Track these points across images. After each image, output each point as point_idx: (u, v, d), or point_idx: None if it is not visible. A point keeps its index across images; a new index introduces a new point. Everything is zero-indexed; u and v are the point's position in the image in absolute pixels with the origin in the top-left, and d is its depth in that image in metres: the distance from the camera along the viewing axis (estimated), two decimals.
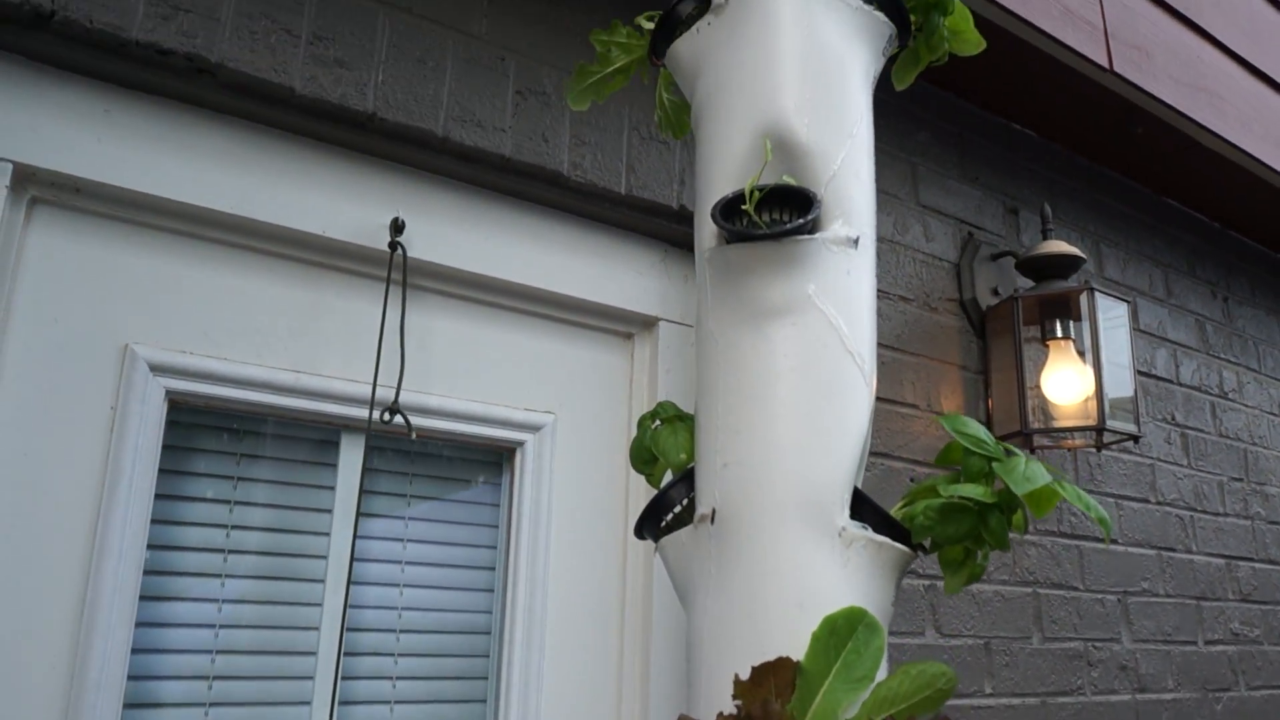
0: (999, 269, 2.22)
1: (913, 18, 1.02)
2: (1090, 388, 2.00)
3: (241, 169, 1.37)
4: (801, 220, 0.85)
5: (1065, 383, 2.02)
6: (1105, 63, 2.11)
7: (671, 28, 1.00)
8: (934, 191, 2.17)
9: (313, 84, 1.37)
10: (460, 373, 1.54)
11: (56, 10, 1.21)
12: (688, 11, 1.00)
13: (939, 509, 0.81)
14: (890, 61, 1.02)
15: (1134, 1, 2.29)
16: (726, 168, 0.91)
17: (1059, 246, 2.07)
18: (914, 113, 2.16)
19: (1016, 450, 0.84)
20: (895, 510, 0.83)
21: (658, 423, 0.95)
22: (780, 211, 0.88)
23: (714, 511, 0.81)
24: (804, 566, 0.77)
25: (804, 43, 0.92)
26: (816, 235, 0.86)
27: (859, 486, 0.81)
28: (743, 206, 0.86)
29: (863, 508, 0.80)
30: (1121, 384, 2.08)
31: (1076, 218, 2.54)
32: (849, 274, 0.90)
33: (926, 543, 0.82)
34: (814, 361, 0.84)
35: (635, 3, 1.68)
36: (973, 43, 1.05)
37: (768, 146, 0.87)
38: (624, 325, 1.72)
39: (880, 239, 1.98)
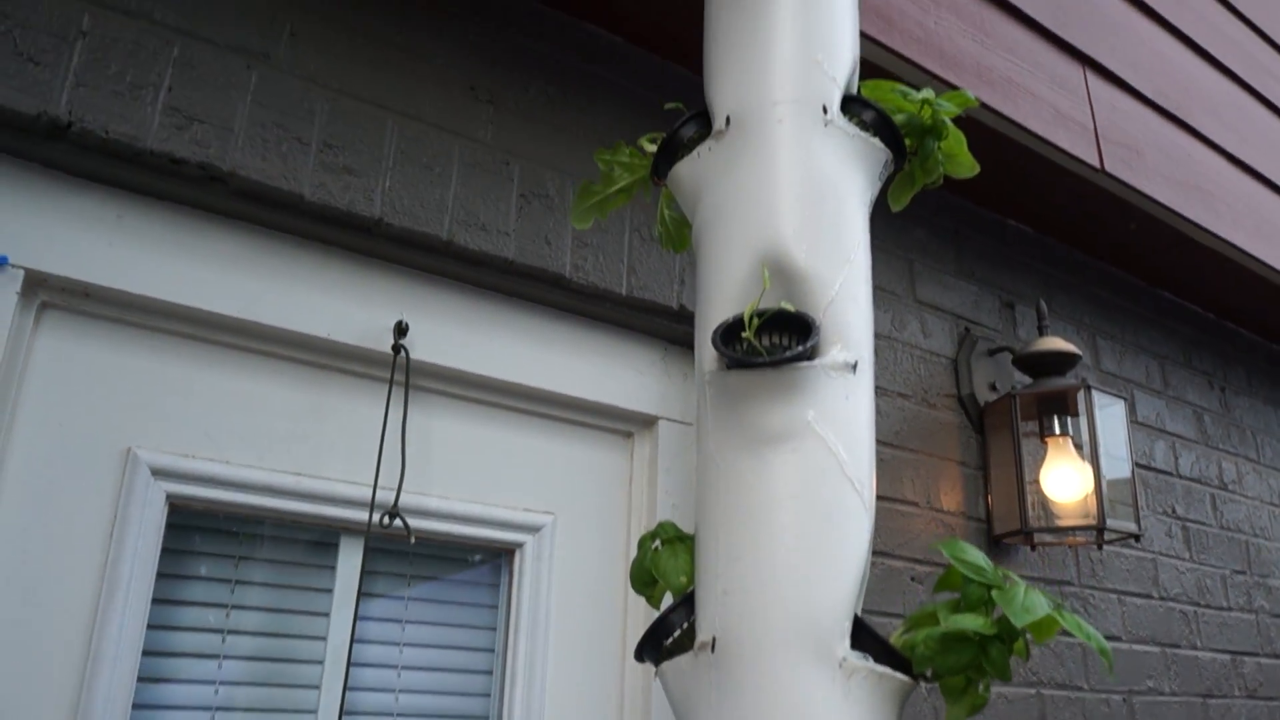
0: (996, 364, 2.23)
1: (908, 141, 1.04)
2: (1089, 485, 2.00)
3: (249, 273, 1.39)
4: (801, 348, 0.86)
5: (1064, 480, 2.02)
6: (1097, 163, 2.16)
7: (673, 151, 1.03)
8: (931, 287, 2.20)
9: (321, 190, 1.40)
10: (461, 473, 1.54)
11: (74, 122, 1.24)
12: (689, 135, 1.02)
13: (939, 639, 0.80)
14: (887, 181, 1.05)
15: (1124, 102, 2.34)
16: (726, 291, 0.93)
17: (1055, 344, 2.09)
18: (910, 210, 2.18)
19: (1016, 577, 0.84)
20: (895, 638, 0.83)
21: (658, 543, 0.95)
22: (779, 335, 0.89)
23: (714, 640, 0.81)
24: (805, 697, 0.77)
25: (802, 170, 0.95)
26: (815, 361, 0.87)
27: (859, 614, 0.80)
28: (743, 333, 0.87)
29: (863, 636, 0.80)
30: (1121, 480, 2.08)
31: (1072, 311, 2.56)
32: (847, 399, 0.90)
33: (928, 671, 0.81)
34: (813, 488, 0.85)
35: (632, 109, 1.75)
36: (966, 165, 1.07)
37: (766, 275, 0.89)
38: (624, 424, 1.73)
39: (878, 335, 2.00)
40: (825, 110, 0.96)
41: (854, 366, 0.89)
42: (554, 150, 1.65)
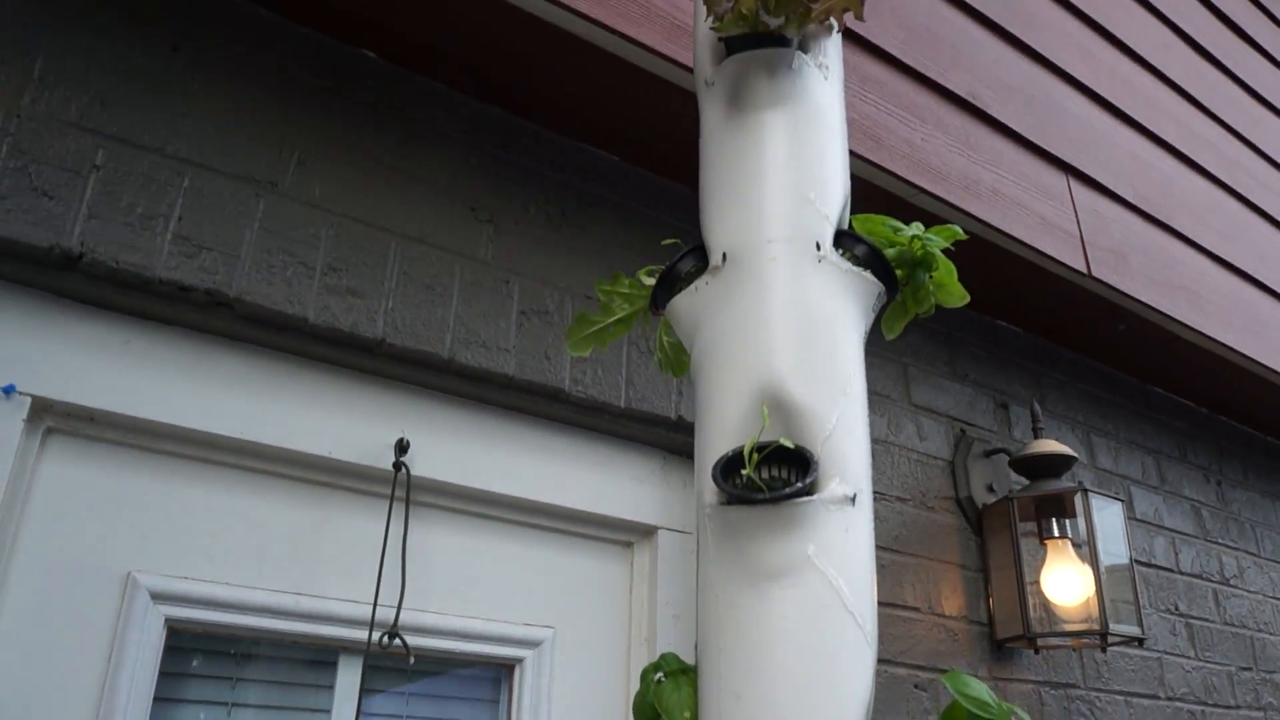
0: (993, 465, 2.25)
1: (899, 273, 1.07)
2: (1090, 588, 1.99)
3: (253, 394, 1.41)
4: (800, 483, 0.87)
5: (1065, 583, 2.02)
6: (1084, 268, 2.21)
7: (672, 284, 1.05)
8: (925, 390, 2.22)
9: (325, 313, 1.43)
10: (460, 589, 1.54)
11: (85, 253, 1.27)
12: (687, 269, 1.05)
13: None
14: (881, 311, 1.07)
15: (1107, 208, 2.41)
16: (725, 425, 0.94)
17: (1050, 446, 2.11)
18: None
19: (1021, 712, 0.84)
20: None
21: (660, 675, 0.95)
22: (778, 468, 0.91)
23: None
24: None
25: (797, 306, 0.97)
26: (814, 496, 0.89)
27: None
28: (743, 469, 0.88)
29: None
30: (1122, 581, 2.08)
31: (1066, 408, 2.59)
32: (847, 532, 0.91)
33: None
34: (814, 624, 0.85)
35: (629, 225, 1.79)
36: (957, 295, 1.10)
37: (765, 413, 0.90)
38: (624, 534, 1.73)
39: (875, 440, 2.01)
40: (818, 247, 0.98)
41: (853, 499, 0.90)
42: (553, 268, 1.69)
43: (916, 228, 1.07)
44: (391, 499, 1.47)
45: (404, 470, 1.48)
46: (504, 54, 1.61)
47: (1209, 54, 3.18)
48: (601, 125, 1.77)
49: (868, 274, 1.00)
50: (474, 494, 1.56)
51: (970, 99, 2.13)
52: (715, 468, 0.89)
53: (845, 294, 0.98)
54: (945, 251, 1.10)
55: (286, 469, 1.44)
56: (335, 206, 1.49)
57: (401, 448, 1.49)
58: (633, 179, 1.85)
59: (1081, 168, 2.35)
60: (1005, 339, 2.50)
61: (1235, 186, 2.94)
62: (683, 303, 1.02)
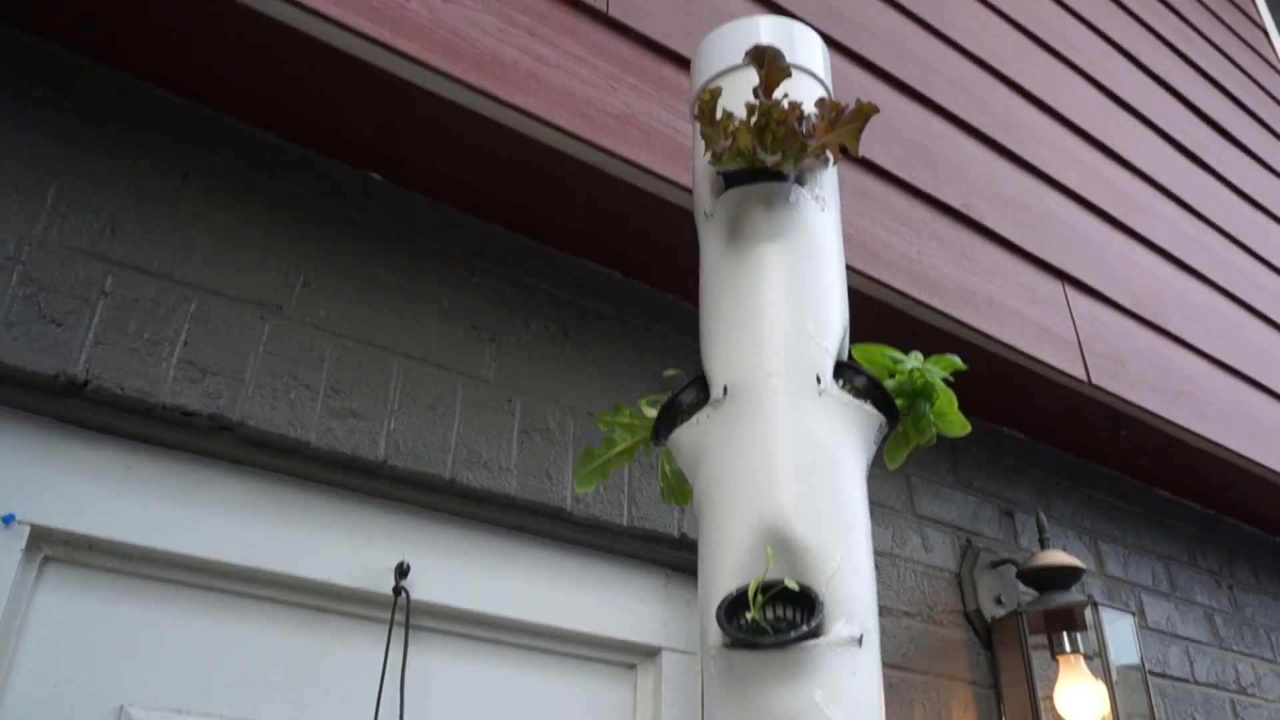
0: (1001, 576, 2.22)
1: (900, 402, 1.07)
2: (1105, 706, 1.94)
3: (252, 519, 1.40)
4: (805, 627, 0.85)
5: (1079, 699, 1.97)
6: (1083, 375, 2.21)
7: (673, 416, 1.05)
8: (929, 500, 2.21)
9: (327, 436, 1.43)
10: (461, 715, 1.50)
11: (90, 380, 1.28)
12: (689, 401, 1.05)
13: None
14: (882, 441, 1.07)
15: (1104, 314, 2.42)
16: (728, 563, 0.93)
17: (1058, 557, 2.08)
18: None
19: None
20: None
21: None
22: (783, 608, 0.89)
23: None
24: None
25: (798, 440, 0.97)
26: (820, 639, 0.87)
27: None
28: (747, 612, 0.87)
29: None
30: (1136, 697, 2.03)
31: (1072, 515, 2.56)
32: (854, 674, 0.89)
33: None
34: None
35: (631, 339, 1.80)
36: (958, 425, 1.10)
37: (769, 553, 0.89)
38: (627, 656, 1.70)
39: (880, 553, 1.99)
40: (818, 380, 0.99)
41: (859, 640, 0.89)
42: (555, 384, 1.69)
43: (916, 358, 1.08)
44: (391, 624, 1.45)
45: (404, 595, 1.46)
46: (508, 176, 1.65)
47: (1196, 156, 3.25)
48: (602, 242, 1.80)
49: (868, 406, 1.00)
50: (475, 618, 1.54)
51: (965, 210, 2.16)
52: (720, 609, 0.87)
53: (846, 427, 0.98)
54: (947, 379, 1.10)
55: (286, 595, 1.42)
56: (339, 328, 1.51)
57: (402, 571, 1.47)
58: (634, 294, 1.87)
59: (1077, 275, 2.38)
60: (1008, 445, 2.49)
61: (1230, 288, 2.97)
62: (685, 435, 1.02)
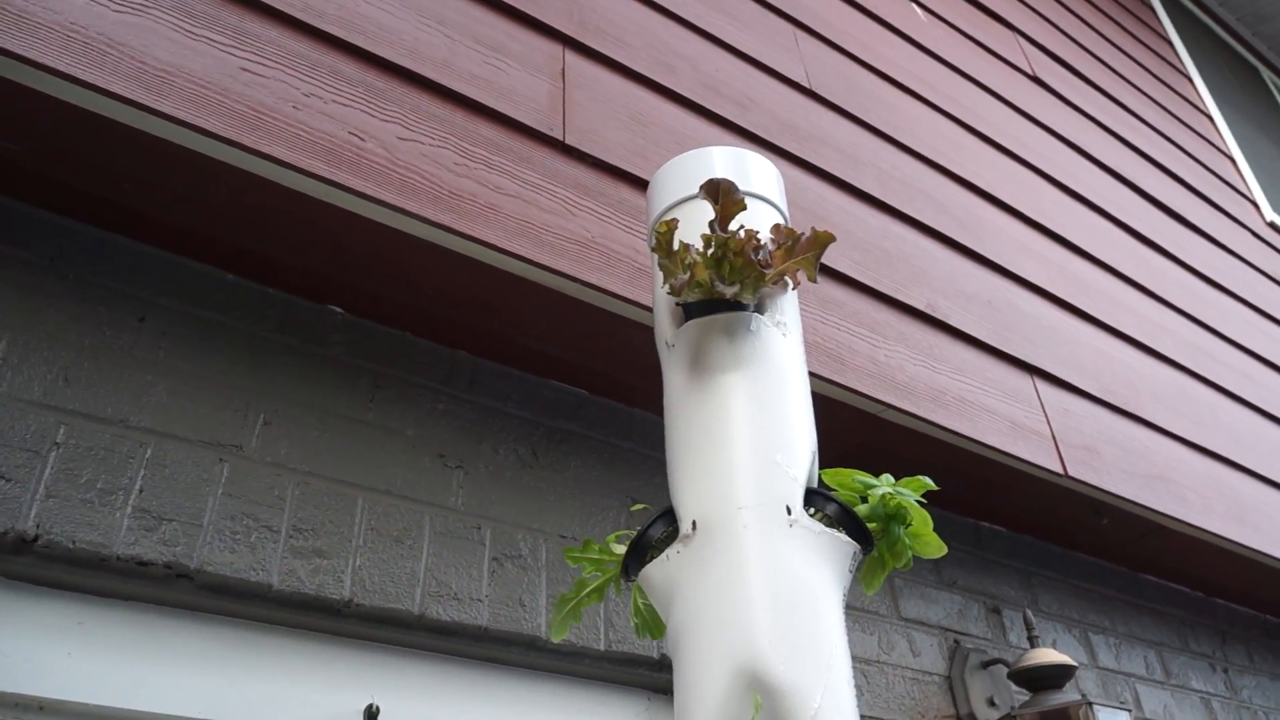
0: (992, 677, 2.16)
1: (873, 527, 1.05)
2: None
3: (213, 669, 1.34)
4: None
5: None
6: (1059, 469, 2.20)
7: (642, 552, 1.03)
8: (914, 602, 2.17)
9: (290, 577, 1.38)
10: None
11: (40, 534, 1.24)
12: (658, 536, 1.03)
13: None
14: (858, 568, 1.04)
15: (1076, 404, 2.43)
16: (706, 708, 0.90)
17: (1048, 656, 2.04)
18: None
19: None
20: None
21: None
22: None
23: None
24: None
25: (772, 575, 0.94)
26: None
27: None
28: None
29: None
30: None
31: (1060, 607, 2.52)
32: None
33: None
34: None
35: (602, 457, 1.78)
36: (934, 547, 1.08)
37: (758, 701, 0.86)
38: None
39: (866, 661, 1.94)
40: (789, 510, 0.97)
41: None
42: (526, 509, 1.66)
43: (887, 481, 1.07)
44: None
45: None
46: (471, 303, 1.65)
47: (1152, 242, 3.32)
48: (569, 362, 1.79)
49: (841, 534, 0.98)
50: None
51: (930, 311, 2.18)
52: None
53: (820, 558, 0.96)
54: (921, 500, 1.09)
55: None
56: (301, 465, 1.48)
57: (371, 715, 1.41)
58: (602, 412, 1.85)
59: (1046, 367, 2.39)
60: (990, 540, 2.46)
61: (1199, 370, 3.00)
62: (655, 572, 0.99)
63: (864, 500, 1.10)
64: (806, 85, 2.37)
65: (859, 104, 2.48)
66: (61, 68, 1.22)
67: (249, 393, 1.49)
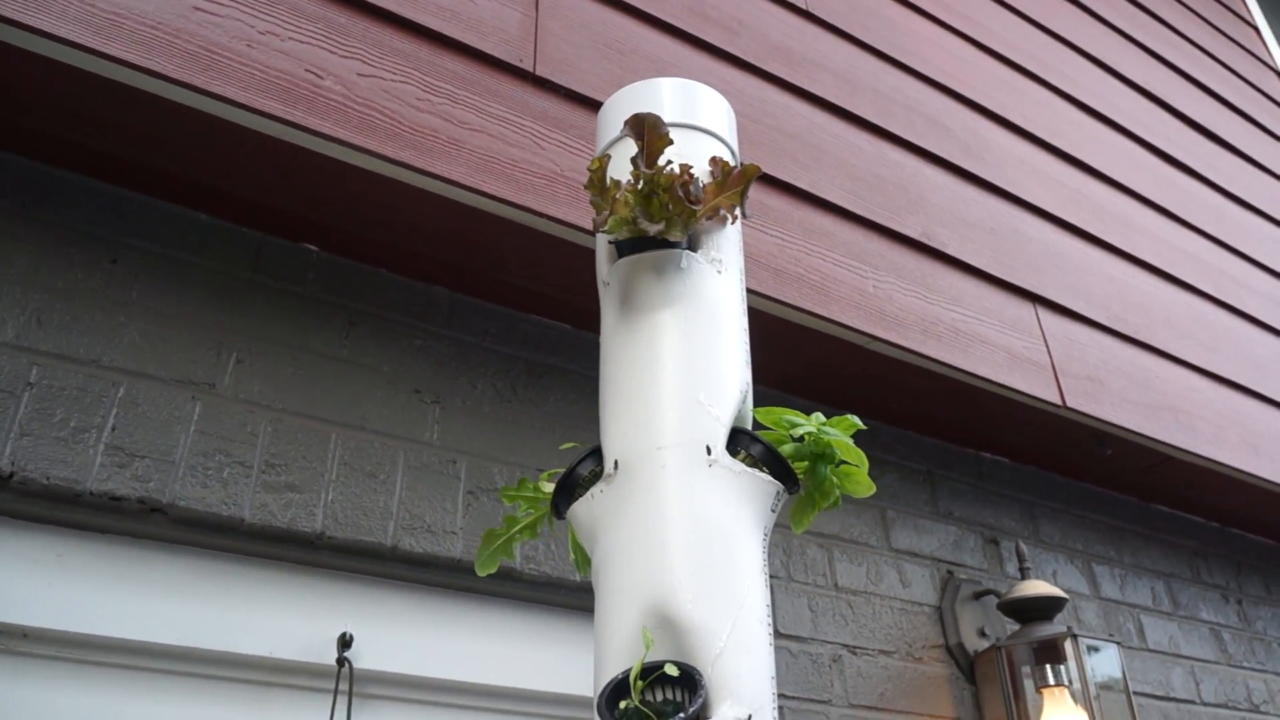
0: (984, 607, 2.17)
1: (800, 466, 1.05)
2: None
3: (189, 599, 1.40)
4: (682, 714, 0.84)
5: None
6: (1058, 400, 2.17)
7: (570, 489, 1.04)
8: (907, 533, 2.17)
9: (262, 511, 1.43)
10: None
11: (15, 471, 1.29)
12: (586, 473, 1.04)
13: None
14: (785, 507, 1.05)
15: (1080, 333, 2.38)
16: (617, 645, 0.91)
17: (1038, 588, 2.04)
18: (878, 457, 2.20)
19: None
20: None
21: None
22: (670, 690, 0.87)
23: None
24: None
25: (688, 515, 0.95)
26: None
27: None
28: (627, 697, 0.85)
29: None
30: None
31: (1063, 538, 2.51)
32: None
33: None
34: None
35: (584, 391, 1.79)
36: (864, 485, 1.08)
37: (647, 636, 0.88)
38: (587, 712, 1.67)
39: (854, 591, 1.96)
40: (709, 451, 0.97)
41: None
42: (503, 443, 1.69)
43: (815, 420, 1.06)
44: (335, 696, 1.44)
45: (347, 665, 1.45)
46: (445, 239, 1.65)
47: (1180, 162, 3.20)
48: (549, 297, 1.79)
49: (764, 474, 0.98)
50: (423, 682, 1.53)
51: (925, 240, 2.14)
52: (601, 696, 0.86)
53: (740, 497, 0.96)
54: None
55: (226, 671, 1.42)
56: (274, 402, 1.51)
57: (345, 642, 1.46)
58: (584, 345, 1.86)
59: (1050, 296, 2.34)
60: (991, 471, 2.45)
61: (1221, 296, 2.92)
62: (581, 510, 1.00)
63: (796, 441, 1.09)
64: (804, 7, 2.30)
65: (861, 24, 2.41)
66: (7, 13, 1.22)
67: (222, 331, 1.52)
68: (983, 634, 2.13)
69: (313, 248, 1.65)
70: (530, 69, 1.68)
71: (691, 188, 1.03)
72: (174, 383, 1.44)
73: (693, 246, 1.06)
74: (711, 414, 0.99)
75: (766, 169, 1.92)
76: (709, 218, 1.07)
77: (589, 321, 1.88)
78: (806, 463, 1.06)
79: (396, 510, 1.53)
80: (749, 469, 0.97)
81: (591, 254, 1.72)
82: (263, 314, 1.56)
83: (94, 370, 1.39)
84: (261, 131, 1.41)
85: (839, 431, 1.06)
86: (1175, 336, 2.63)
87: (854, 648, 1.93)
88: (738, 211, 1.07)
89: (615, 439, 1.00)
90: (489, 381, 1.73)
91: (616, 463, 0.98)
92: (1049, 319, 2.31)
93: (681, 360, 1.03)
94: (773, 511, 1.01)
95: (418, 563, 1.53)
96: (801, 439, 1.08)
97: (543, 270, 1.72)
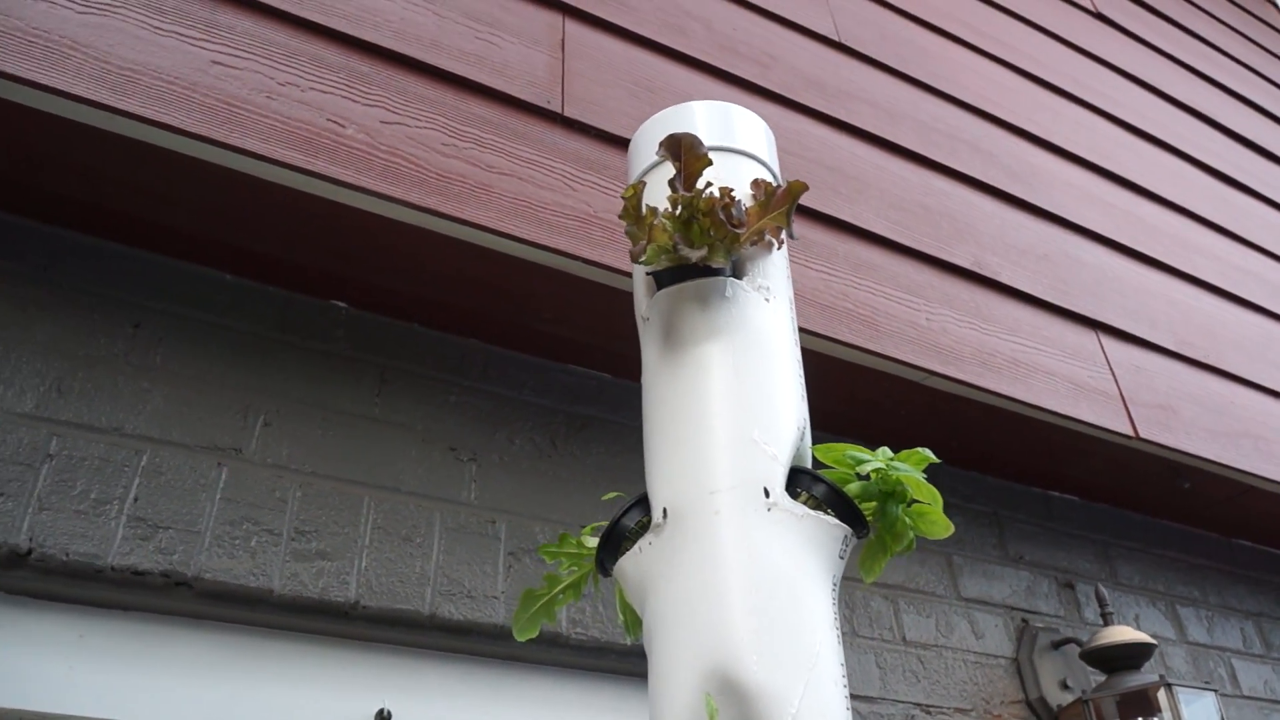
0: (1065, 657, 2.03)
1: (869, 507, 0.96)
2: None
3: (218, 677, 1.32)
4: None
5: None
6: (1129, 431, 2.05)
7: (616, 544, 0.95)
8: (976, 580, 2.04)
9: (293, 581, 1.35)
10: None
11: (34, 548, 1.22)
12: (633, 524, 0.95)
13: None
14: (855, 553, 0.95)
15: (1147, 360, 2.26)
16: (675, 713, 0.82)
17: (1124, 634, 1.90)
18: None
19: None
20: None
21: None
22: None
23: None
24: None
25: (747, 565, 0.85)
26: None
27: None
28: None
29: None
30: None
31: (1143, 579, 2.36)
32: None
33: None
34: None
35: (628, 443, 1.70)
36: (941, 525, 0.97)
37: (711, 705, 0.78)
38: None
39: (924, 645, 1.83)
40: (767, 493, 0.88)
41: None
42: (544, 500, 1.60)
43: (882, 455, 0.96)
44: None
45: None
46: (476, 288, 1.59)
47: (1234, 180, 3.09)
48: (587, 345, 1.72)
49: (829, 517, 0.88)
50: None
51: (977, 269, 2.04)
52: None
53: (804, 544, 0.86)
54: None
55: None
56: (304, 466, 1.44)
57: (383, 718, 1.37)
58: (626, 394, 1.78)
59: (1111, 322, 2.22)
60: (1062, 511, 2.31)
61: None
62: (629, 566, 0.91)
63: (863, 479, 0.99)
64: (835, 38, 2.24)
65: (895, 54, 2.34)
66: (20, 73, 1.19)
67: (249, 394, 1.46)
68: (1065, 686, 1.98)
69: (341, 304, 1.59)
70: (559, 110, 1.63)
71: (734, 210, 0.95)
72: (199, 449, 1.38)
73: (737, 274, 0.99)
74: (768, 453, 0.90)
75: (808, 204, 1.85)
76: (753, 243, 1.00)
77: (630, 369, 1.80)
78: (875, 503, 0.96)
79: (434, 575, 1.45)
80: (812, 512, 0.88)
81: (629, 297, 1.65)
82: (291, 374, 1.50)
83: (116, 439, 1.33)
84: (283, 184, 1.36)
85: (909, 466, 0.96)
86: (1247, 360, 2.49)
87: (927, 707, 1.80)
88: (784, 235, 1.00)
89: (663, 485, 0.91)
90: (527, 436, 1.65)
91: (665, 511, 0.89)
92: (1113, 346, 2.19)
93: (732, 396, 0.94)
94: (841, 558, 0.91)
95: (457, 631, 1.44)
96: (868, 477, 0.98)
97: (578, 316, 1.65)
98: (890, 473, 0.96)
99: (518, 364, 1.70)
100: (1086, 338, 2.16)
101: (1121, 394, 2.11)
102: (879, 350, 1.73)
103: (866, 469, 0.93)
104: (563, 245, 1.48)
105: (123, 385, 1.37)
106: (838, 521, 0.89)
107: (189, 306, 1.48)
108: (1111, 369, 2.14)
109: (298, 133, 1.35)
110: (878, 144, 2.11)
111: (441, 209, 1.40)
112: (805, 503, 0.88)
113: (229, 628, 1.35)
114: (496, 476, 1.58)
